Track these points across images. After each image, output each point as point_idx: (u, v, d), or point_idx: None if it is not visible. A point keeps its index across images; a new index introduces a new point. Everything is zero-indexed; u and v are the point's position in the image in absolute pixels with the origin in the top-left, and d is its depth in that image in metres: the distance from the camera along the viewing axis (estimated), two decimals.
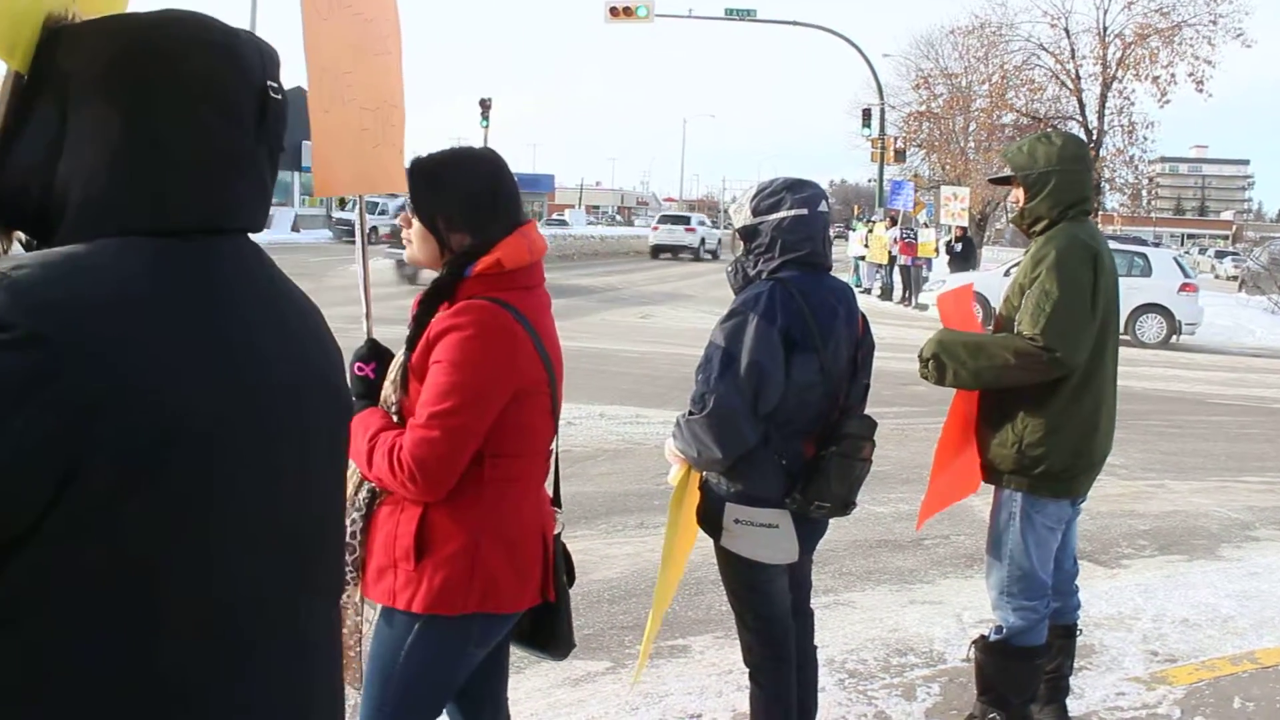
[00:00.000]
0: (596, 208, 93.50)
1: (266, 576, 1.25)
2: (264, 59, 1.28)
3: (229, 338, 1.20)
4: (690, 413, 3.03)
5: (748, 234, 3.15)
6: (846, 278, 20.18)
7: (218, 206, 1.24)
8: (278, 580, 1.27)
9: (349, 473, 2.21)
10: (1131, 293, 15.78)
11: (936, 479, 3.84)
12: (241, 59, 1.24)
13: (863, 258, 28.33)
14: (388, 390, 2.43)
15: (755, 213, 3.12)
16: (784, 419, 3.03)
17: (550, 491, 2.59)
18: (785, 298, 3.00)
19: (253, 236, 1.32)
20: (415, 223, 2.41)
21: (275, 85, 1.28)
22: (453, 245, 2.37)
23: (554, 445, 2.52)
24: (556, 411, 2.46)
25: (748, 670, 3.31)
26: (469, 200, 2.36)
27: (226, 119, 1.23)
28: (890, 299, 26.04)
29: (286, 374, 1.27)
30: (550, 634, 2.55)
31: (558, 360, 2.44)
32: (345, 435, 1.43)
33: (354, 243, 2.95)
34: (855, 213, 60.43)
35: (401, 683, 2.37)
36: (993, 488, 3.68)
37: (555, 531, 2.52)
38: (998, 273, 20.50)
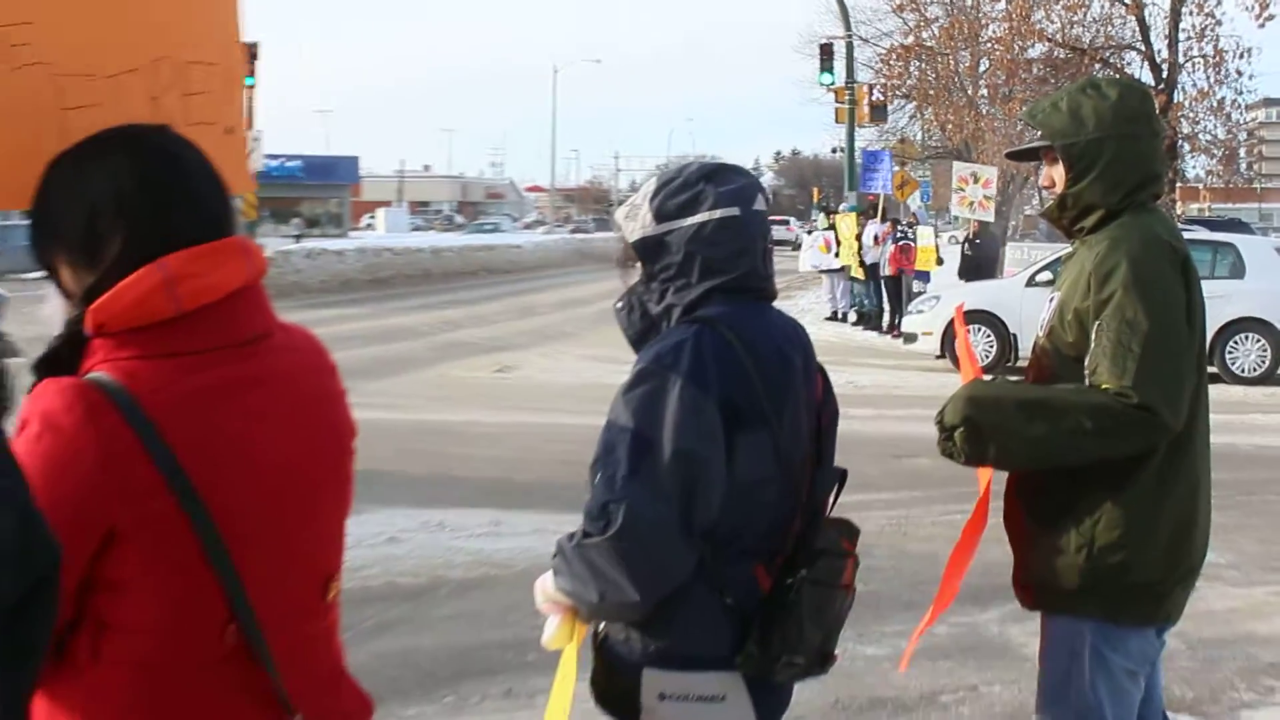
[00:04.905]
0: (426, 204, 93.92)
1: None
2: None
3: None
4: (585, 534, 2.96)
5: (649, 250, 3.12)
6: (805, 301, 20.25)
7: None
8: None
9: None
10: (1217, 303, 15.82)
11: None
12: None
13: (843, 268, 27.81)
14: None
15: (660, 216, 3.09)
16: (726, 535, 3.02)
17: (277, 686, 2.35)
18: (719, 347, 2.98)
19: None
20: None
21: None
22: (69, 287, 2.29)
23: (244, 615, 2.28)
24: (233, 565, 2.25)
25: None
26: (87, 215, 2.26)
27: None
28: (875, 327, 26.26)
29: None
30: None
31: (263, 472, 2.30)
32: None
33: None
34: (815, 199, 61.42)
35: None
36: (1039, 616, 3.73)
37: None
38: (1017, 281, 20.82)
